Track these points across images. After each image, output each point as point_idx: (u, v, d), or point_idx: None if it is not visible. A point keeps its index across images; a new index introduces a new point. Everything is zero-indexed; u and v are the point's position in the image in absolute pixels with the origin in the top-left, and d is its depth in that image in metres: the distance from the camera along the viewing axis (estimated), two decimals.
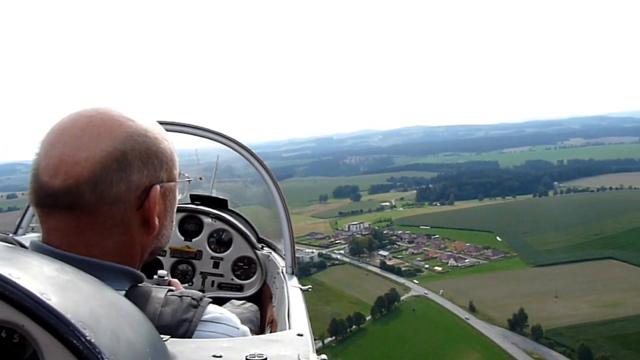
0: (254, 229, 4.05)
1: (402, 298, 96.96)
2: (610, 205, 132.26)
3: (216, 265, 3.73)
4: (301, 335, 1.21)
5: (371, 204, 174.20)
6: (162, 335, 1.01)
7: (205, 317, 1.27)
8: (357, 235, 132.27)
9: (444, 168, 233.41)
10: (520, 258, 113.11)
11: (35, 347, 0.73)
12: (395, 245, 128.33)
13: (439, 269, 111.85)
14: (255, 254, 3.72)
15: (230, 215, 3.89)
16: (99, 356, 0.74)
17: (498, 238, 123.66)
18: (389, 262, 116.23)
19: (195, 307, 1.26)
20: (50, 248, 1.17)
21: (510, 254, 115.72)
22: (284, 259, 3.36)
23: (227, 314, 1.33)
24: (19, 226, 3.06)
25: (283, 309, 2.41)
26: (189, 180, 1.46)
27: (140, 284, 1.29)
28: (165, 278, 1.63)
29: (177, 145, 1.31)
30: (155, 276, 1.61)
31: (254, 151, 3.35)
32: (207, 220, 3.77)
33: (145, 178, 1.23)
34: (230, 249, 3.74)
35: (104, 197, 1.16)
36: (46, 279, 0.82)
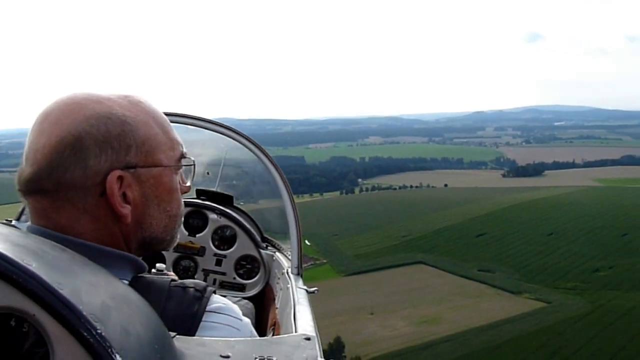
0: (259, 227, 3.90)
1: None
2: (414, 204, 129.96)
3: (219, 262, 3.64)
4: (309, 339, 1.18)
5: None
6: (169, 332, 0.99)
7: (209, 307, 1.26)
8: None
9: None
10: (331, 265, 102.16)
11: (44, 337, 0.73)
12: None
13: None
14: (259, 253, 3.63)
15: (236, 212, 3.78)
16: (109, 350, 0.73)
17: (307, 242, 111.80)
18: None
19: (200, 298, 1.24)
20: (49, 231, 1.17)
21: (320, 260, 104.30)
22: (288, 259, 3.33)
23: (230, 304, 1.32)
24: (22, 213, 2.87)
25: (288, 311, 2.41)
26: (191, 165, 1.40)
27: (142, 274, 1.28)
28: (164, 272, 1.61)
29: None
30: (153, 270, 1.59)
31: (263, 147, 3.24)
32: (212, 216, 3.67)
33: (105, 163, 1.18)
34: (234, 246, 3.65)
35: (60, 183, 1.15)
36: (59, 268, 0.82)
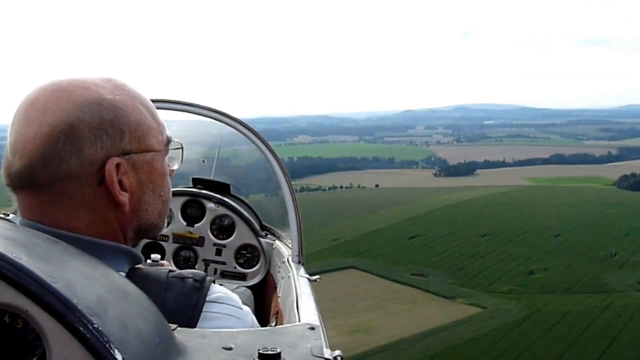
0: (257, 216, 3.89)
1: None
2: (344, 206, 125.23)
3: (219, 252, 3.64)
4: (313, 328, 1.14)
5: None
6: (170, 325, 0.96)
7: (209, 297, 1.24)
8: None
9: None
10: None
11: (40, 333, 0.69)
12: None
13: None
14: (259, 241, 3.64)
15: (233, 201, 3.77)
16: (107, 345, 0.69)
17: None
18: None
19: (199, 288, 1.22)
20: (40, 225, 1.12)
21: None
22: (289, 247, 3.35)
23: (229, 293, 1.31)
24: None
25: (290, 300, 2.40)
26: (179, 149, 1.40)
27: (139, 266, 1.25)
28: (159, 262, 1.59)
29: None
30: (148, 260, 1.57)
31: (260, 133, 3.21)
32: (209, 205, 3.65)
33: (101, 151, 1.13)
34: (233, 235, 3.65)
35: (55, 175, 1.10)
36: (52, 261, 0.79)
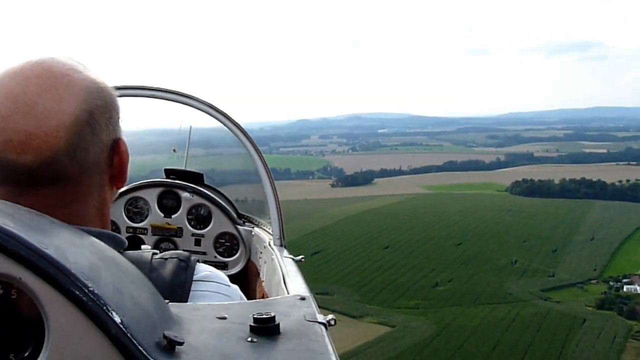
0: (233, 205, 3.87)
1: None
2: None
3: (198, 242, 3.64)
4: (303, 299, 1.13)
5: None
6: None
7: (196, 276, 1.23)
8: None
9: None
10: None
11: (34, 300, 0.66)
12: None
13: None
14: (237, 229, 3.64)
15: (208, 190, 3.76)
16: (104, 308, 0.67)
17: None
18: None
19: (185, 268, 1.21)
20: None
21: None
22: (268, 233, 3.34)
23: (216, 271, 1.30)
24: None
25: (277, 280, 2.40)
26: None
27: (124, 250, 1.20)
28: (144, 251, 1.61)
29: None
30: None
31: (231, 116, 3.21)
32: (184, 194, 3.64)
33: (112, 134, 1.13)
34: (211, 225, 3.65)
35: (84, 165, 1.07)
36: (39, 230, 0.76)
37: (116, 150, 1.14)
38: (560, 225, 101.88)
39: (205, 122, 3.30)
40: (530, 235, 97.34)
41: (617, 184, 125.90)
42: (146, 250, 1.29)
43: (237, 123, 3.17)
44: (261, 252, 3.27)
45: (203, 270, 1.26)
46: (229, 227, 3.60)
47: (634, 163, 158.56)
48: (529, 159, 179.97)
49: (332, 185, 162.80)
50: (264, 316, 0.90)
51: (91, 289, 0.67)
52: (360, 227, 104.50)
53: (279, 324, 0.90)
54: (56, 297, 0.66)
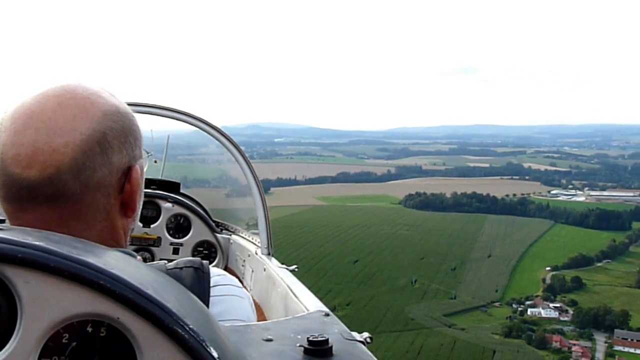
0: (208, 212, 3.90)
1: None
2: None
3: (176, 251, 3.65)
4: (328, 315, 1.11)
5: None
6: None
7: (211, 282, 1.24)
8: None
9: None
10: None
11: (130, 339, 0.68)
12: None
13: None
14: (215, 237, 3.68)
15: (185, 199, 3.80)
16: (204, 344, 0.69)
17: None
18: None
19: (202, 275, 1.20)
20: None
21: None
22: (248, 240, 3.43)
23: (226, 274, 1.30)
24: None
25: (281, 292, 2.41)
26: (149, 154, 1.31)
27: None
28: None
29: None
30: None
31: (223, 130, 3.27)
32: (165, 205, 3.67)
33: (125, 159, 1.12)
34: (190, 233, 3.68)
35: (88, 184, 1.05)
36: (129, 270, 0.75)
37: (128, 177, 1.13)
38: (456, 242, 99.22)
39: (178, 127, 3.25)
40: (428, 252, 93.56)
41: (505, 198, 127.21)
42: (156, 262, 1.27)
43: (231, 139, 3.22)
44: (244, 260, 3.31)
45: (216, 273, 1.26)
46: (207, 236, 3.66)
47: (517, 177, 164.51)
48: (418, 172, 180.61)
49: (227, 196, 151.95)
50: (319, 338, 0.90)
51: (191, 326, 0.69)
52: None
53: (332, 347, 0.90)
54: (155, 336, 0.68)
